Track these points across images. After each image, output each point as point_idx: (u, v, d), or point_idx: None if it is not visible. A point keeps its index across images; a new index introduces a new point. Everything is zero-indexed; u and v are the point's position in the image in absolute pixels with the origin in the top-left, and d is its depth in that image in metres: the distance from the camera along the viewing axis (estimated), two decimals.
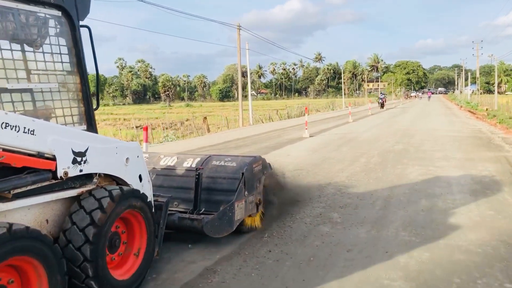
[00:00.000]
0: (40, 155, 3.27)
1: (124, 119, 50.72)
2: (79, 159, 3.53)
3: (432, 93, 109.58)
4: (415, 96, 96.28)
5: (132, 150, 4.19)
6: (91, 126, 4.06)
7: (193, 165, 5.62)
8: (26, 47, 3.72)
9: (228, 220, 5.14)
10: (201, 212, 5.22)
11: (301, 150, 14.19)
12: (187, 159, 5.81)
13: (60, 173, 3.39)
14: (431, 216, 6.64)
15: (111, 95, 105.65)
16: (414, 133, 19.92)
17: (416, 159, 12.24)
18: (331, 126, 24.78)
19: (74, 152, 3.50)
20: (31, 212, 3.34)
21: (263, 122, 36.81)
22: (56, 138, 3.38)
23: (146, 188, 4.34)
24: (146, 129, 10.23)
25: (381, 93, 56.52)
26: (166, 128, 33.49)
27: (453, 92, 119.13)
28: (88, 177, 3.79)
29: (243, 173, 5.35)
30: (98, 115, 57.48)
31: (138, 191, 4.03)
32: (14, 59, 3.58)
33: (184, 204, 5.43)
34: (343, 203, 7.53)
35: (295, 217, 6.67)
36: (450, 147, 14.72)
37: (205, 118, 31.49)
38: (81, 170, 3.57)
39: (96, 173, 3.84)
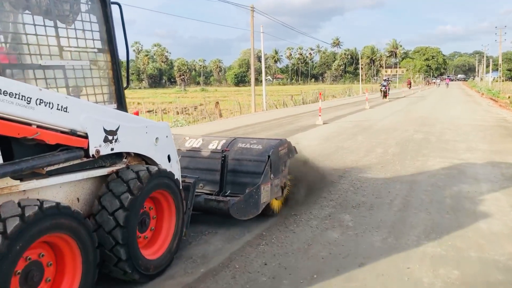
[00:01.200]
0: (72, 133, 3.25)
1: (138, 103, 50.09)
2: (110, 137, 3.50)
3: (451, 80, 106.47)
4: (434, 83, 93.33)
5: (162, 130, 4.13)
6: (121, 105, 4.00)
7: (219, 147, 5.59)
8: (59, 24, 3.64)
9: (254, 203, 5.05)
10: (226, 194, 5.18)
11: (312, 139, 13.21)
12: (212, 141, 5.78)
13: (92, 151, 3.37)
14: (459, 220, 5.67)
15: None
16: (434, 121, 18.73)
17: (437, 150, 11.18)
18: (347, 112, 23.66)
19: (105, 131, 3.47)
20: (63, 190, 3.33)
21: (277, 107, 35.80)
22: (88, 116, 3.35)
23: (175, 169, 4.28)
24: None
25: (385, 79, 41.82)
26: (178, 113, 32.78)
27: (473, 79, 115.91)
28: (119, 156, 3.73)
29: (269, 156, 5.28)
30: None
31: (166, 171, 3.95)
32: (47, 35, 3.53)
33: (210, 185, 5.40)
34: (356, 201, 6.58)
35: (299, 219, 5.77)
36: (473, 137, 13.58)
37: (217, 103, 30.59)
38: (112, 149, 3.53)
39: (126, 152, 3.78)
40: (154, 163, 4.04)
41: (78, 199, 3.45)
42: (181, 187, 4.26)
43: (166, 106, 40.27)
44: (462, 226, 5.46)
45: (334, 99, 46.06)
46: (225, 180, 5.29)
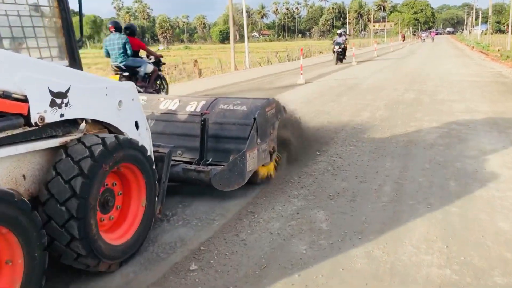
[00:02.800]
0: (6, 96, 2.62)
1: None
2: (58, 101, 2.88)
3: (438, 33, 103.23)
4: (420, 37, 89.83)
5: (126, 92, 3.49)
6: (74, 61, 3.45)
7: (198, 109, 4.99)
8: None
9: (239, 172, 4.55)
10: (208, 162, 4.61)
11: (290, 101, 11.37)
12: (190, 102, 5.13)
13: (34, 119, 2.75)
14: (470, 219, 4.18)
15: None
16: (425, 78, 17.12)
17: (432, 113, 9.64)
18: (332, 70, 21.87)
19: (52, 93, 2.83)
20: (2, 166, 2.69)
21: (260, 65, 33.96)
22: (28, 75, 2.71)
23: (144, 137, 3.68)
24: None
25: (340, 32, 25.68)
26: None
27: (462, 32, 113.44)
28: (73, 123, 3.12)
29: (255, 118, 4.71)
30: (91, 58, 54.59)
31: (135, 141, 3.35)
32: None
33: (189, 153, 4.85)
34: (335, 188, 5.05)
35: (257, 219, 4.24)
36: (471, 96, 12.04)
37: (196, 61, 28.60)
38: (62, 115, 2.91)
39: (82, 119, 3.16)
40: (118, 131, 3.40)
41: (24, 176, 2.85)
42: (152, 159, 3.65)
43: None
44: (476, 228, 3.98)
45: (321, 55, 43.97)
46: (206, 147, 4.65)
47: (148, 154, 3.48)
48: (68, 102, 2.94)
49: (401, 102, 11.37)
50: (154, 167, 3.59)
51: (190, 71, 28.40)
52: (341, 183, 5.21)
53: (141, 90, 8.96)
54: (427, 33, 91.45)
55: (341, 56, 25.26)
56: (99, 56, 56.66)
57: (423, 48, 48.95)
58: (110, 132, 3.37)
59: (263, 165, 5.01)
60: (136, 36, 10.15)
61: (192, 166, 4.47)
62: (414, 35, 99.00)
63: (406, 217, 4.22)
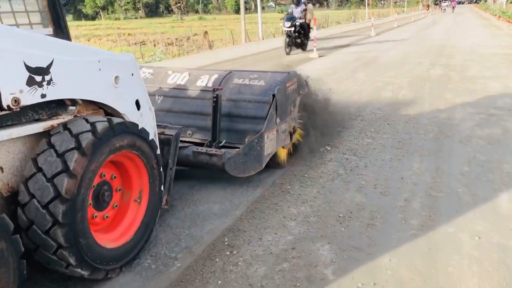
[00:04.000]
0: None
1: (129, 34, 46.58)
2: (38, 78, 2.34)
3: (460, 3, 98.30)
4: (440, 8, 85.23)
5: (124, 66, 2.91)
6: (60, 30, 2.90)
7: (209, 84, 4.47)
8: None
9: (256, 156, 4.00)
10: (221, 144, 4.07)
11: None
12: (201, 76, 4.61)
13: (6, 101, 2.23)
14: None
15: (123, 8, 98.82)
16: (452, 50, 15.43)
17: (464, 93, 8.19)
18: (349, 42, 20.19)
19: (29, 68, 2.30)
20: None
21: (274, 36, 32.33)
22: None
23: (147, 118, 3.09)
24: None
25: (298, 0, 15.06)
26: (169, 44, 29.67)
27: (485, 1, 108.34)
28: (61, 104, 2.61)
29: (274, 95, 4.17)
30: (103, 29, 53.30)
31: (135, 124, 2.77)
32: None
33: (200, 133, 4.34)
34: (347, 206, 3.78)
35: (234, 259, 3.00)
36: (507, 72, 10.48)
37: (206, 33, 27.11)
38: (43, 96, 2.38)
39: (71, 99, 2.64)
40: (116, 112, 2.86)
41: (1, 168, 2.34)
42: (157, 147, 3.08)
43: (159, 37, 37.04)
44: None
45: (338, 25, 41.84)
46: (219, 127, 4.13)
47: (151, 139, 2.93)
48: (50, 80, 2.41)
49: (426, 79, 9.88)
50: (158, 152, 3.05)
51: (201, 43, 27.06)
52: (355, 196, 3.93)
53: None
54: (448, 2, 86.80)
55: (298, 39, 15.27)
56: (111, 28, 55.39)
57: (446, 18, 46.25)
58: (106, 113, 2.86)
59: (282, 147, 4.48)
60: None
61: (203, 149, 3.95)
62: (436, 4, 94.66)
63: (445, 258, 2.94)
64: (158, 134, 3.34)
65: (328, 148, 5.29)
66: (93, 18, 70.92)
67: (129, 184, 2.92)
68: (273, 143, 4.23)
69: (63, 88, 2.49)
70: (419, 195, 3.94)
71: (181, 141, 3.88)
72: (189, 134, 4.35)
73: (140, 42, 32.05)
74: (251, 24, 36.28)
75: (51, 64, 2.41)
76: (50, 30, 2.92)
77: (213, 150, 3.91)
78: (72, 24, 61.24)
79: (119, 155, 2.69)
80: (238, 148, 3.94)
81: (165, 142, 3.41)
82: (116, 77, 2.83)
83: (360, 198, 3.89)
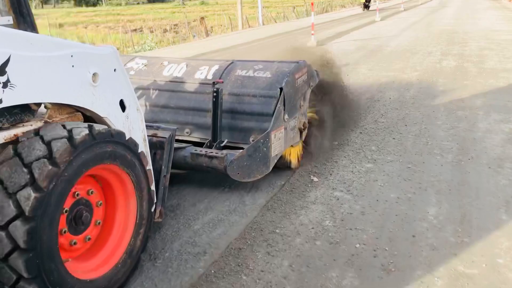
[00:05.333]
0: None
1: (128, 21, 45.13)
2: None
3: None
4: None
5: (104, 60, 2.47)
6: (23, 18, 2.39)
7: (209, 77, 3.99)
8: None
9: (261, 158, 3.54)
10: (222, 144, 3.65)
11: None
12: (200, 67, 4.13)
13: None
14: None
15: None
16: (464, 36, 13.90)
17: (485, 92, 6.80)
18: (352, 27, 18.61)
19: None
20: None
21: (275, 22, 30.77)
22: None
23: (134, 121, 2.65)
24: None
25: None
26: (166, 31, 28.42)
27: None
28: (25, 109, 2.21)
29: (281, 88, 3.70)
30: (104, 15, 51.94)
31: (120, 133, 2.37)
32: None
33: (199, 132, 3.88)
34: (346, 251, 2.45)
35: None
36: None
37: (202, 19, 25.68)
38: None
39: (36, 104, 2.25)
40: (95, 116, 2.40)
41: None
42: (145, 151, 2.65)
43: (157, 23, 35.65)
44: None
45: (342, 9, 39.99)
46: (220, 125, 3.64)
47: (136, 146, 2.47)
48: (7, 81, 1.95)
49: (439, 73, 8.45)
50: (148, 167, 2.61)
51: (198, 29, 25.65)
52: (344, 275, 2.60)
53: None
54: None
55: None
56: (111, 14, 53.84)
57: (455, 0, 44.19)
58: (85, 118, 2.41)
59: (291, 146, 4.01)
60: None
61: (203, 150, 3.54)
62: None
63: None
64: (149, 136, 2.92)
65: (314, 178, 3.96)
66: (94, 4, 69.16)
67: (112, 202, 2.49)
68: (281, 142, 3.75)
69: (24, 91, 2.05)
70: (441, 271, 2.61)
71: (178, 141, 3.55)
72: (187, 133, 3.92)
73: (137, 29, 30.71)
74: (253, 8, 34.73)
75: (7, 61, 1.98)
76: (9, 19, 2.41)
77: (213, 152, 3.48)
78: (72, 11, 59.82)
79: (100, 168, 2.30)
80: (242, 148, 3.52)
81: (157, 145, 2.99)
82: (94, 74, 2.39)
83: (352, 280, 2.57)
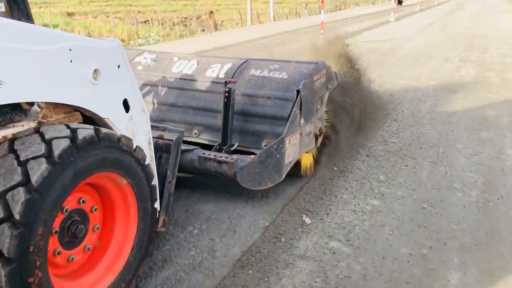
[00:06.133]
0: None
1: (138, 12, 44.56)
2: None
3: None
4: None
5: (107, 55, 2.24)
6: (17, 6, 2.19)
7: (221, 75, 3.75)
8: None
9: (274, 165, 3.29)
10: (233, 148, 3.41)
11: None
12: (211, 64, 3.90)
13: None
14: None
15: None
16: (484, 41, 12.97)
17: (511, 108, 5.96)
18: (365, 27, 17.71)
19: None
20: None
21: (287, 18, 29.94)
22: None
23: (139, 122, 2.41)
24: None
25: None
26: (176, 24, 27.81)
27: None
28: (16, 108, 2.05)
29: (298, 91, 3.47)
30: (115, 6, 51.58)
31: (128, 139, 2.18)
32: None
33: (208, 133, 3.67)
34: None
35: None
36: None
37: (211, 12, 24.97)
38: None
39: (30, 103, 2.10)
40: (96, 117, 2.19)
41: None
42: (150, 156, 2.47)
43: (167, 15, 35.06)
44: None
45: (356, 7, 38.93)
46: (231, 127, 3.43)
47: (142, 153, 2.25)
48: None
49: (458, 82, 7.61)
50: (153, 182, 2.37)
51: (208, 24, 24.92)
52: None
53: None
54: None
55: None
56: (122, 4, 53.22)
57: (473, 1, 42.84)
58: (84, 118, 2.18)
59: (306, 152, 3.81)
60: None
61: (211, 154, 3.27)
62: None
63: None
64: (155, 138, 2.72)
65: (307, 220, 3.19)
66: None
67: (111, 215, 2.25)
68: (296, 149, 3.51)
69: (14, 89, 1.82)
70: None
71: (186, 142, 3.39)
72: (195, 134, 3.71)
73: (147, 21, 30.09)
74: (266, 3, 33.94)
75: None
76: (1, 5, 2.16)
77: (223, 156, 3.26)
78: (84, 0, 59.36)
79: (101, 176, 2.05)
80: (253, 154, 3.34)
81: (163, 148, 2.76)
82: (95, 71, 2.14)
83: None
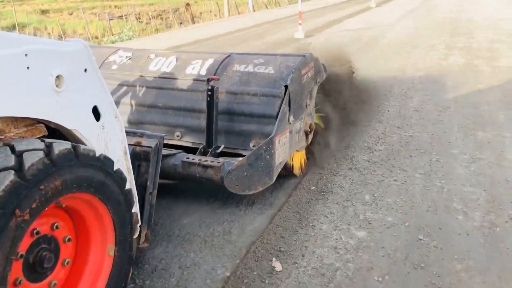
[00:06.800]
0: None
1: (115, 6, 43.32)
2: None
3: None
4: None
5: (71, 59, 2.01)
6: None
7: (202, 72, 3.54)
8: None
9: (264, 167, 3.09)
10: (219, 151, 3.21)
11: None
12: (191, 61, 3.67)
13: None
14: None
15: None
16: (469, 26, 12.44)
17: (507, 102, 5.42)
18: (346, 14, 17.06)
19: None
20: None
21: (267, 7, 29.21)
22: None
23: (112, 131, 2.20)
24: None
25: None
26: (152, 18, 26.97)
27: None
28: None
29: (286, 86, 3.27)
30: (91, 1, 50.18)
31: (108, 159, 1.99)
32: None
33: (192, 135, 3.46)
34: None
35: None
36: None
37: (188, 5, 24.09)
38: None
39: None
40: (62, 129, 1.96)
41: None
42: (127, 167, 2.25)
43: (143, 10, 34.04)
44: None
45: None
46: (215, 128, 3.20)
47: (116, 168, 2.03)
48: None
49: (446, 73, 7.04)
50: (133, 202, 2.18)
51: (185, 16, 24.09)
52: None
53: None
54: None
55: None
56: None
57: None
58: (48, 131, 1.94)
59: (297, 151, 3.57)
60: None
61: (196, 158, 3.02)
62: None
63: None
64: (133, 145, 2.46)
65: (277, 265, 2.56)
66: None
67: (85, 239, 2.01)
68: (286, 148, 3.34)
69: None
70: None
71: (168, 146, 3.16)
72: (178, 136, 3.51)
73: (124, 16, 29.11)
74: None
75: None
76: None
77: (208, 160, 3.01)
78: None
79: (70, 197, 1.82)
80: (241, 155, 3.13)
81: (142, 156, 2.48)
82: (58, 77, 1.90)
83: None
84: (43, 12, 37.19)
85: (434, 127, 4.68)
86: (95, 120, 2.12)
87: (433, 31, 11.59)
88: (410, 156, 4.00)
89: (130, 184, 2.20)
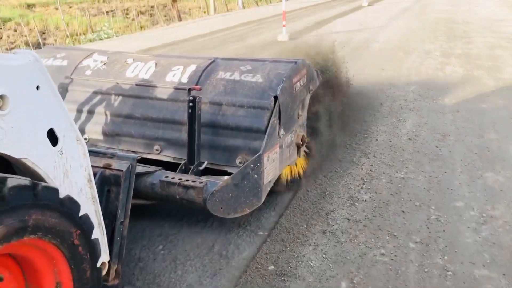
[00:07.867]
0: None
1: (104, 1, 42.10)
2: None
3: None
4: None
5: (18, 75, 1.75)
6: None
7: (184, 80, 3.26)
8: None
9: (252, 187, 2.81)
10: (202, 167, 2.91)
11: None
12: (172, 67, 3.38)
13: None
14: None
15: None
16: (465, 28, 11.54)
17: None
18: (336, 13, 16.07)
19: None
20: None
21: (257, 4, 28.22)
22: None
23: (73, 157, 1.95)
24: None
25: None
26: (140, 14, 25.86)
27: None
28: None
29: (276, 97, 2.98)
30: None
31: (73, 201, 1.81)
32: None
33: (172, 149, 3.18)
34: None
35: None
36: None
37: (174, 1, 23.01)
38: None
39: None
40: (12, 160, 1.77)
41: None
42: (92, 195, 1.99)
43: (132, 5, 32.93)
44: None
45: None
46: (198, 142, 2.91)
47: (74, 204, 1.80)
48: None
49: (443, 87, 6.12)
50: (100, 255, 1.96)
51: (172, 14, 23.04)
52: None
53: None
54: None
55: None
56: None
57: None
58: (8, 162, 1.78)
59: (287, 165, 3.30)
60: None
61: (176, 177, 2.70)
62: None
63: None
64: (101, 168, 2.26)
65: None
66: None
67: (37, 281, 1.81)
68: (276, 164, 2.97)
69: None
70: None
71: (145, 161, 2.96)
72: (157, 151, 3.17)
73: (112, 11, 28.00)
74: None
75: None
76: None
77: (189, 179, 2.65)
78: None
79: (22, 243, 1.62)
80: (226, 172, 2.85)
81: (111, 180, 2.24)
82: (1, 97, 1.67)
83: None
84: (29, 6, 35.88)
85: (431, 165, 3.75)
86: (51, 145, 1.86)
87: (428, 34, 10.66)
88: (402, 211, 3.06)
89: (96, 214, 1.92)
